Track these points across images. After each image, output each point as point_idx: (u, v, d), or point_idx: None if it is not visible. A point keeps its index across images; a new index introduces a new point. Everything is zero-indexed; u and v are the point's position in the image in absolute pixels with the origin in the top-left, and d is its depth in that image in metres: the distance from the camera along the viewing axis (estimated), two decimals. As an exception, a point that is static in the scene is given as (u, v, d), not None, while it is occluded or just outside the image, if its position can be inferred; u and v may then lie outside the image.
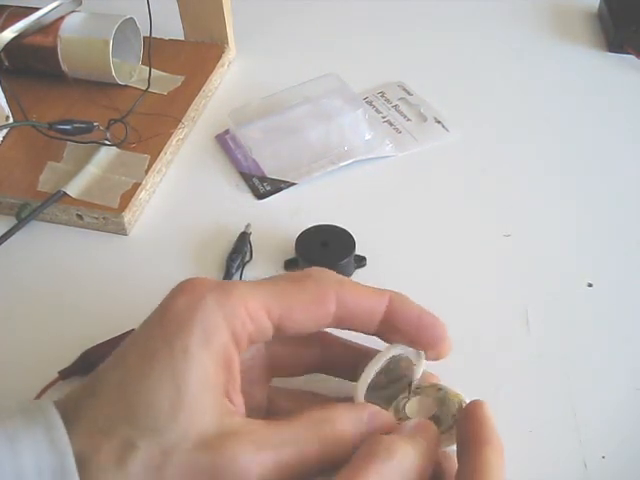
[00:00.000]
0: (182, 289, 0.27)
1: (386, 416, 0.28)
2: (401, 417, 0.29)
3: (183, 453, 0.24)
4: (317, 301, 0.28)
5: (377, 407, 0.28)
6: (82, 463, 0.23)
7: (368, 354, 0.30)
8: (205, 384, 0.25)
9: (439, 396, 0.30)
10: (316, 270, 0.29)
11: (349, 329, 0.30)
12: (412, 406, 0.30)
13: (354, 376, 0.30)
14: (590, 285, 0.41)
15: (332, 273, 0.29)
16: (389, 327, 0.29)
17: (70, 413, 0.25)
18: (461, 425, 0.27)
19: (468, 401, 0.29)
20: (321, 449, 0.25)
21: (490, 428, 0.26)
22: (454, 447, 0.28)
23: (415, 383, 0.30)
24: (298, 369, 0.32)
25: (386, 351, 0.30)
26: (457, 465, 0.26)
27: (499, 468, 0.25)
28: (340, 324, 0.29)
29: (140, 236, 0.46)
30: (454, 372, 0.32)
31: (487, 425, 0.26)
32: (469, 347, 0.37)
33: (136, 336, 0.27)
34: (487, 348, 0.38)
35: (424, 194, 0.48)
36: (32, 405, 0.25)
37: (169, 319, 0.26)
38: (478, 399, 0.28)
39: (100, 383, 0.26)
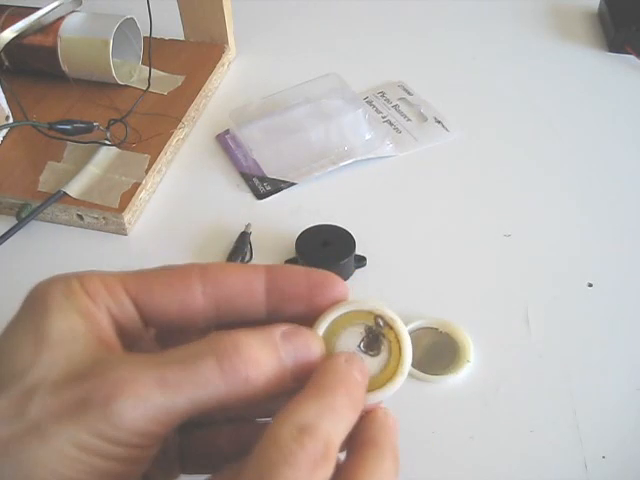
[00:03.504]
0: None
1: (308, 336, 0.23)
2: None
3: (48, 387, 0.21)
4: (177, 278, 0.25)
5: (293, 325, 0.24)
6: None
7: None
8: (72, 329, 0.23)
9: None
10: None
11: (237, 317, 0.25)
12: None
13: None
14: (590, 285, 0.41)
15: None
16: (278, 299, 0.25)
17: None
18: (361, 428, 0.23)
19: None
20: (227, 389, 0.21)
21: (384, 432, 0.23)
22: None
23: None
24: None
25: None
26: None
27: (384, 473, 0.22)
28: (221, 308, 0.25)
29: (140, 236, 0.46)
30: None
31: (380, 429, 0.23)
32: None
33: None
34: (487, 348, 0.38)
35: (424, 194, 0.48)
36: None
37: (26, 305, 0.23)
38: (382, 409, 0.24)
39: None
